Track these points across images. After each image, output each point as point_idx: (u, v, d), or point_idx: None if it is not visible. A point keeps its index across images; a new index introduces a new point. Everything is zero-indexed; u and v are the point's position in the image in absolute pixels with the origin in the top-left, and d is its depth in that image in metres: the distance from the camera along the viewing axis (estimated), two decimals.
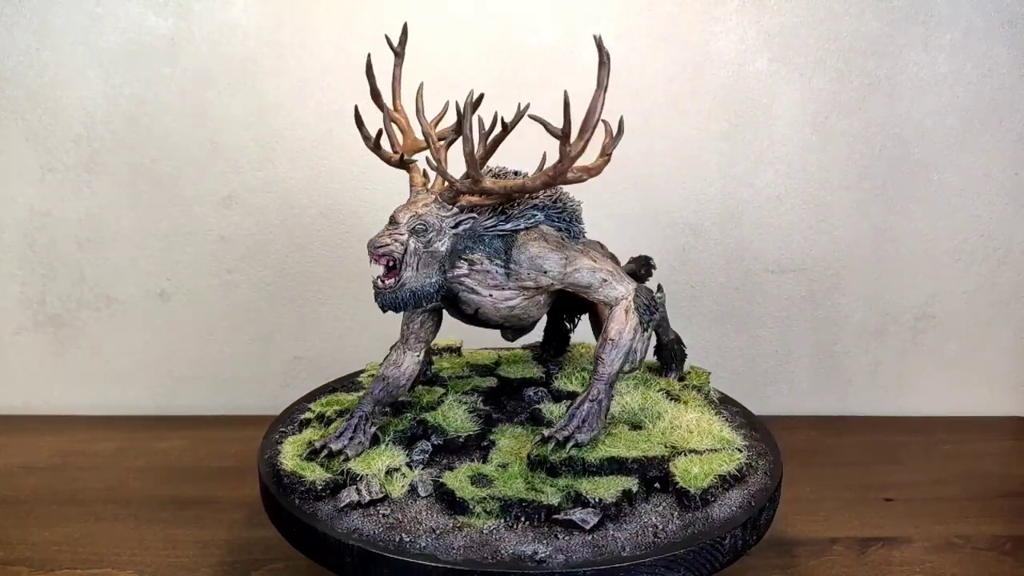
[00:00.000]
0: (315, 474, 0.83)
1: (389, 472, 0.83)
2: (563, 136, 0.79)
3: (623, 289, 0.89)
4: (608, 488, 0.78)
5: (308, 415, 0.97)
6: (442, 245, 0.83)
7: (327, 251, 1.38)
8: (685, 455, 0.84)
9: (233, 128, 1.32)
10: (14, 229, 1.35)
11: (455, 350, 1.15)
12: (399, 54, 0.96)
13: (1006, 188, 1.38)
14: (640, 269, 1.07)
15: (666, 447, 0.86)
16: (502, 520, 0.77)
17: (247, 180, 1.34)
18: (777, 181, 1.37)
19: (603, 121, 0.83)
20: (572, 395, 0.95)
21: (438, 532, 0.76)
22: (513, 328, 0.95)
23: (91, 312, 1.38)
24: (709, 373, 1.09)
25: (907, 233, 1.40)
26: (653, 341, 1.03)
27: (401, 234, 0.83)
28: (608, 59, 0.80)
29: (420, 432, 0.91)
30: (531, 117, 0.80)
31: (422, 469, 0.85)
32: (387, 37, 0.95)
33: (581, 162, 0.82)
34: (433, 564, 0.72)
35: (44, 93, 1.29)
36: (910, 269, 1.41)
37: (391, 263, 0.83)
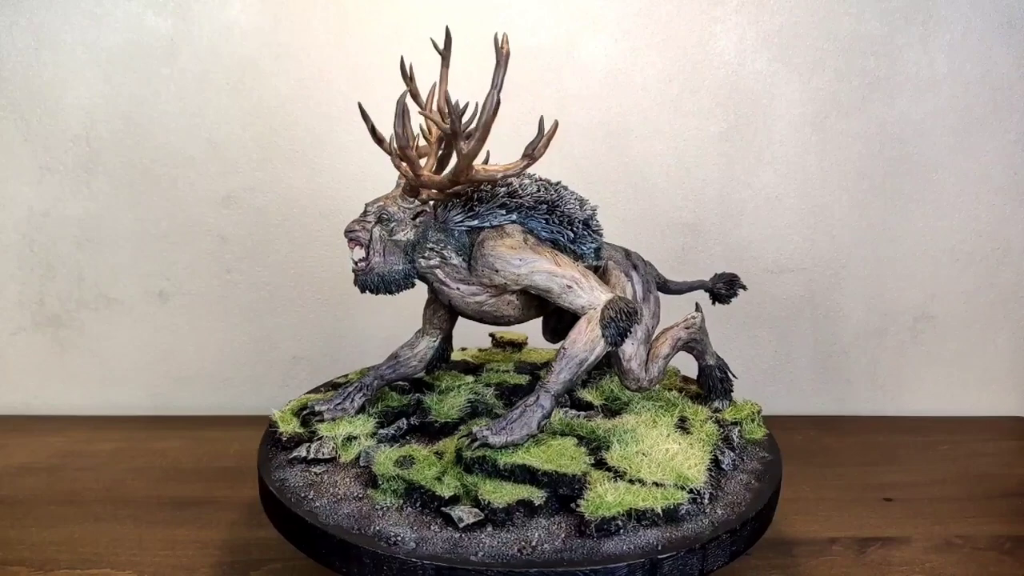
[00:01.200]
0: (290, 428, 0.91)
1: (348, 439, 0.88)
2: (452, 134, 0.82)
3: (589, 298, 0.86)
4: (506, 494, 0.77)
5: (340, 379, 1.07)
6: (404, 235, 0.88)
7: (326, 251, 1.38)
8: (614, 482, 0.79)
9: (232, 128, 1.32)
10: (13, 229, 1.35)
11: (518, 345, 1.14)
12: (445, 57, 0.98)
13: (1005, 188, 1.38)
14: (717, 285, 1.05)
15: (598, 468, 0.81)
16: (400, 501, 0.79)
17: (246, 180, 1.34)
18: (776, 181, 1.37)
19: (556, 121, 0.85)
20: (588, 406, 0.96)
21: (338, 499, 0.80)
22: (496, 324, 0.96)
23: (90, 312, 1.38)
24: (759, 410, 0.98)
25: (906, 233, 1.40)
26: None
27: (368, 222, 0.87)
28: (504, 60, 0.82)
29: (411, 411, 0.94)
30: (421, 114, 0.86)
31: (388, 444, 0.88)
32: (433, 41, 0.97)
33: (503, 162, 0.86)
34: (310, 521, 0.77)
35: (43, 93, 1.29)
36: (909, 269, 1.41)
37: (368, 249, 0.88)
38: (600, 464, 0.83)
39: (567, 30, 1.32)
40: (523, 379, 1.02)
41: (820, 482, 1.19)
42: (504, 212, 0.89)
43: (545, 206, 0.90)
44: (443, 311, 0.98)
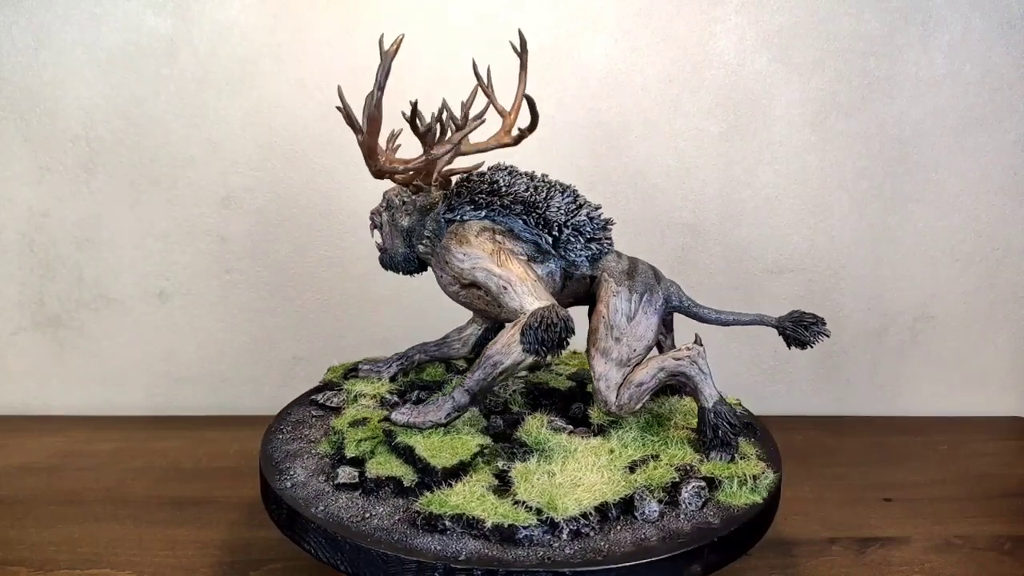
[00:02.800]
0: (332, 376, 1.06)
1: (359, 396, 0.98)
2: (355, 130, 0.87)
3: (519, 302, 0.85)
4: (383, 468, 0.83)
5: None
6: (403, 221, 0.97)
7: (326, 251, 1.38)
8: (482, 487, 0.79)
9: (231, 128, 1.32)
10: (13, 229, 1.35)
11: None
12: (523, 60, 1.01)
13: (1004, 188, 1.38)
14: (785, 324, 0.91)
15: (498, 475, 0.82)
16: (327, 456, 0.89)
17: (246, 180, 1.34)
18: (776, 181, 1.37)
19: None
20: (584, 423, 0.93)
21: (305, 441, 0.93)
22: (484, 316, 0.99)
23: (90, 312, 1.38)
24: (760, 474, 0.84)
25: (906, 233, 1.40)
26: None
27: (381, 208, 0.99)
28: (388, 58, 0.85)
29: (431, 387, 1.00)
30: (337, 108, 0.88)
31: (383, 408, 0.95)
32: (512, 43, 1.00)
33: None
34: (273, 456, 0.90)
35: (43, 93, 1.29)
36: (909, 269, 1.41)
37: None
38: (500, 472, 0.82)
39: (567, 30, 1.32)
40: (565, 384, 1.01)
41: (819, 482, 1.19)
42: (472, 208, 0.92)
43: (521, 207, 0.91)
44: None
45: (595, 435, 0.89)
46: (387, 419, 0.88)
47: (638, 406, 0.86)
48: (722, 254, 1.40)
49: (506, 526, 0.74)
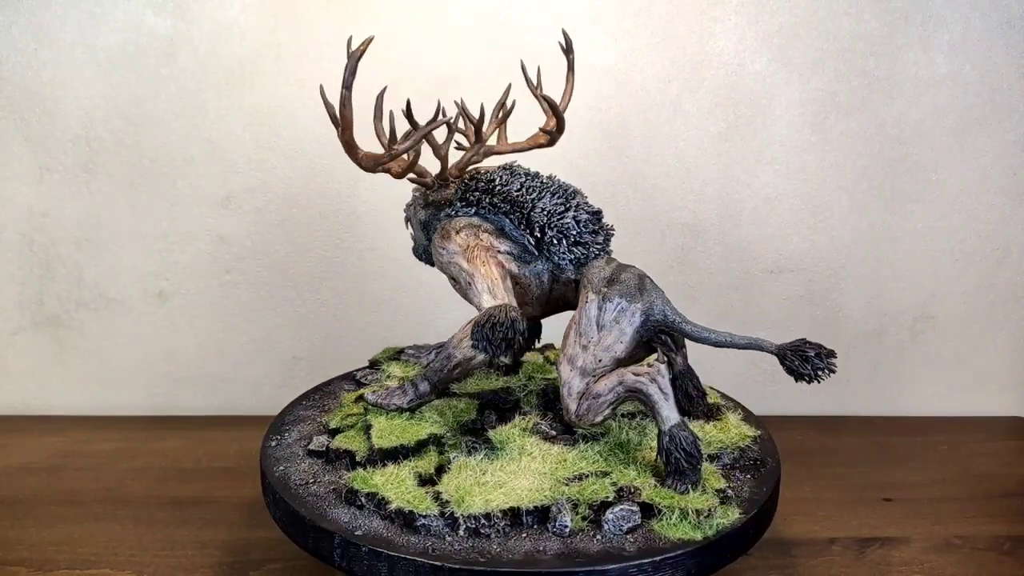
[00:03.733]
0: (379, 356, 1.11)
1: (388, 377, 1.04)
2: (335, 126, 0.89)
3: (478, 300, 0.87)
4: (346, 442, 0.89)
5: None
6: (420, 214, 0.99)
7: (326, 251, 1.38)
8: (411, 475, 0.82)
9: (231, 128, 1.32)
10: (12, 229, 1.35)
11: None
12: (569, 53, 1.02)
13: (1004, 189, 1.38)
14: (786, 353, 0.81)
15: (416, 451, 0.86)
16: (324, 425, 0.95)
17: (245, 180, 1.34)
18: (776, 181, 1.37)
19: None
20: (571, 431, 0.90)
21: (319, 410, 1.01)
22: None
23: (89, 312, 1.38)
24: (711, 511, 0.77)
25: (906, 233, 1.40)
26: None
27: (410, 202, 1.02)
28: (353, 59, 0.86)
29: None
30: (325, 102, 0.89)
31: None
32: (560, 43, 1.01)
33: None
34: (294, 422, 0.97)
35: (42, 93, 1.29)
36: (909, 269, 1.41)
37: None
38: (445, 463, 0.84)
39: (567, 30, 1.31)
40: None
41: (819, 482, 1.19)
42: (462, 205, 0.94)
43: (508, 206, 0.92)
44: None
45: (572, 444, 0.87)
46: (361, 398, 0.96)
47: (597, 418, 0.82)
48: (722, 254, 1.40)
49: (407, 511, 0.76)
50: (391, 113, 0.89)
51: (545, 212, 0.91)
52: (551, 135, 0.97)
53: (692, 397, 0.95)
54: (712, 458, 0.87)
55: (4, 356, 1.40)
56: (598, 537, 0.76)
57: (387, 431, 0.88)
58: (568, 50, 1.00)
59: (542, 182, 0.94)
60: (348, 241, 1.37)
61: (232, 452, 1.25)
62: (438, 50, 1.29)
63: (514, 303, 0.86)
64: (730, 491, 0.82)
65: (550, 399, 0.97)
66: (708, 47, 1.32)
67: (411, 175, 0.93)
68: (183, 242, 1.36)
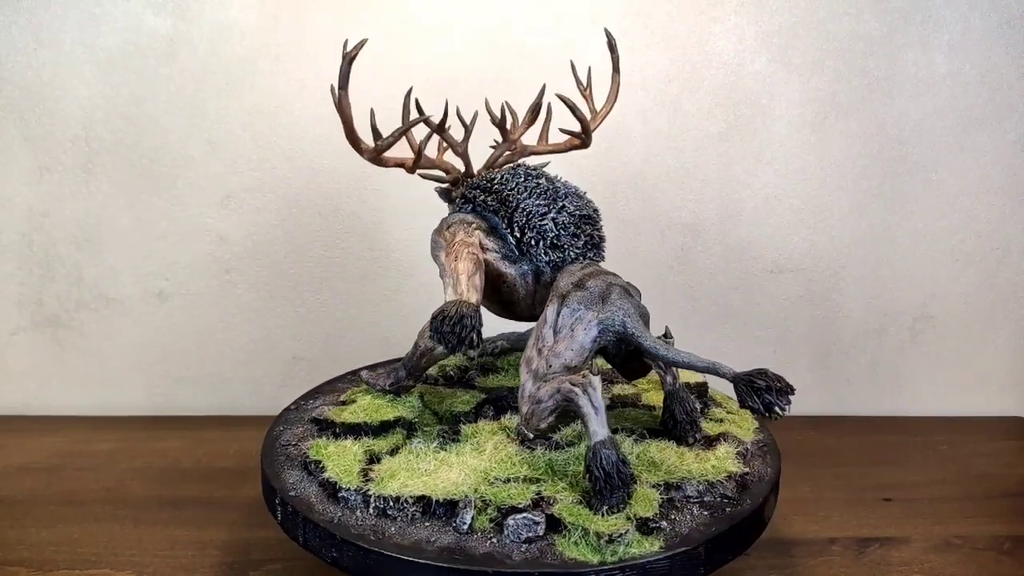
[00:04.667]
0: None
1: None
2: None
3: (445, 293, 0.88)
4: (335, 413, 0.95)
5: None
6: (449, 209, 1.02)
7: (325, 251, 1.38)
8: (357, 446, 0.88)
9: (231, 128, 1.32)
10: (12, 229, 1.35)
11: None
12: (613, 52, 1.03)
13: (1004, 188, 1.38)
14: (740, 381, 0.77)
15: (379, 430, 0.91)
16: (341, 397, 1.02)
17: (245, 180, 1.34)
18: (775, 181, 1.37)
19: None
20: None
21: (348, 383, 1.06)
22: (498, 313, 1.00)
23: (89, 312, 1.38)
24: (643, 547, 0.73)
25: (905, 233, 1.40)
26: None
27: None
28: (346, 60, 0.88)
29: (491, 370, 1.08)
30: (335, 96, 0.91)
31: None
32: (608, 46, 1.01)
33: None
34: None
35: (42, 93, 1.29)
36: (908, 269, 1.41)
37: None
38: (401, 445, 0.89)
39: (567, 30, 1.32)
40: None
41: (819, 482, 1.19)
42: (462, 202, 0.97)
43: (498, 205, 0.94)
44: None
45: (532, 449, 0.86)
46: (357, 370, 1.03)
47: (542, 425, 0.81)
48: (722, 254, 1.40)
49: (333, 482, 0.81)
50: (371, 110, 0.92)
51: (525, 213, 0.91)
52: (583, 138, 0.97)
53: (678, 421, 0.88)
54: (670, 487, 0.80)
55: (4, 356, 1.39)
56: (493, 540, 0.74)
57: (363, 409, 0.94)
58: (612, 48, 1.00)
59: (537, 183, 0.93)
60: (348, 241, 1.37)
61: (232, 452, 1.25)
62: (437, 50, 1.29)
63: (474, 299, 0.85)
64: (664, 523, 0.75)
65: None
66: (708, 47, 1.32)
67: (422, 171, 0.95)
68: (183, 242, 1.36)
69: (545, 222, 0.91)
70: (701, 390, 1.03)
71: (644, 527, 0.74)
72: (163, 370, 1.41)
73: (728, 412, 1.00)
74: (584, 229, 0.92)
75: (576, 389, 0.77)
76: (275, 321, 1.40)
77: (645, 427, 0.91)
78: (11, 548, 1.00)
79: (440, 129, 0.93)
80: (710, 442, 0.90)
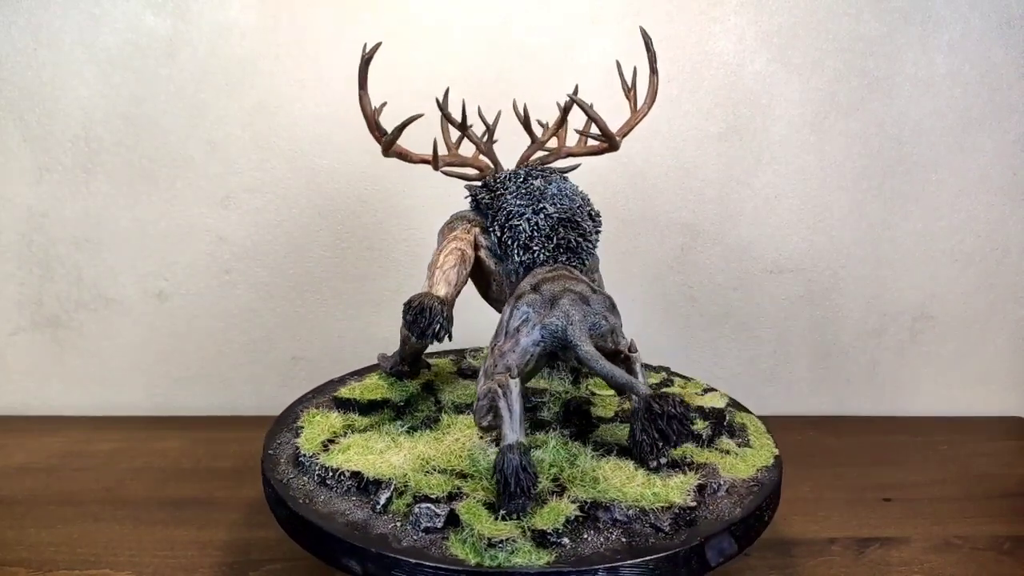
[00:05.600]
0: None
1: None
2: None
3: (422, 286, 0.92)
4: (348, 390, 1.01)
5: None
6: None
7: (325, 252, 1.38)
8: (343, 420, 0.95)
9: (231, 128, 1.32)
10: (12, 229, 1.35)
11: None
12: (651, 56, 1.02)
13: (1004, 189, 1.38)
14: (636, 417, 0.79)
15: (368, 407, 0.97)
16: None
17: (245, 180, 1.34)
18: (775, 181, 1.37)
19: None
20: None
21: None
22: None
23: (89, 312, 1.38)
24: (527, 557, 0.71)
25: (905, 233, 1.40)
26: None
27: None
28: (364, 62, 0.91)
29: None
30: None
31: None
32: (646, 48, 1.00)
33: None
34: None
35: (42, 93, 1.29)
36: (908, 269, 1.41)
37: None
38: (384, 423, 0.93)
39: (567, 30, 1.32)
40: (607, 411, 0.96)
41: (819, 482, 1.19)
42: (471, 200, 0.98)
43: (489, 203, 0.95)
44: None
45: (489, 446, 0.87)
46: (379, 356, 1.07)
47: (483, 423, 0.81)
48: (721, 254, 1.40)
49: (298, 447, 0.89)
50: (379, 108, 0.94)
51: (505, 213, 0.92)
52: (606, 141, 0.97)
53: (637, 441, 0.80)
54: (597, 506, 0.76)
55: (4, 356, 1.39)
56: (396, 524, 0.76)
57: (362, 387, 1.01)
58: (649, 48, 0.99)
59: (530, 184, 0.93)
60: (348, 241, 1.37)
61: (232, 452, 1.25)
62: (437, 50, 1.29)
63: (442, 292, 0.89)
64: (566, 540, 0.73)
65: (570, 411, 0.95)
66: (708, 47, 1.32)
67: (449, 168, 0.97)
68: (182, 242, 1.36)
69: (520, 223, 0.91)
70: (718, 415, 0.95)
71: (541, 539, 0.72)
72: (163, 370, 1.41)
73: (743, 445, 0.92)
74: (559, 232, 0.91)
75: (499, 391, 0.77)
76: (275, 321, 1.40)
77: (624, 444, 0.86)
78: (10, 548, 1.00)
79: (463, 127, 0.94)
80: (678, 469, 0.83)
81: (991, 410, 1.47)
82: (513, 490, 0.73)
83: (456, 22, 1.30)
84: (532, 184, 0.93)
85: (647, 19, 1.31)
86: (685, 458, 0.85)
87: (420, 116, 0.90)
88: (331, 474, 0.83)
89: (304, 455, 0.87)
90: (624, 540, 0.74)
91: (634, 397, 0.79)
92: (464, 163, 0.98)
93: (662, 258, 1.40)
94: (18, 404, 1.41)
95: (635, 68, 1.00)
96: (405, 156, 0.95)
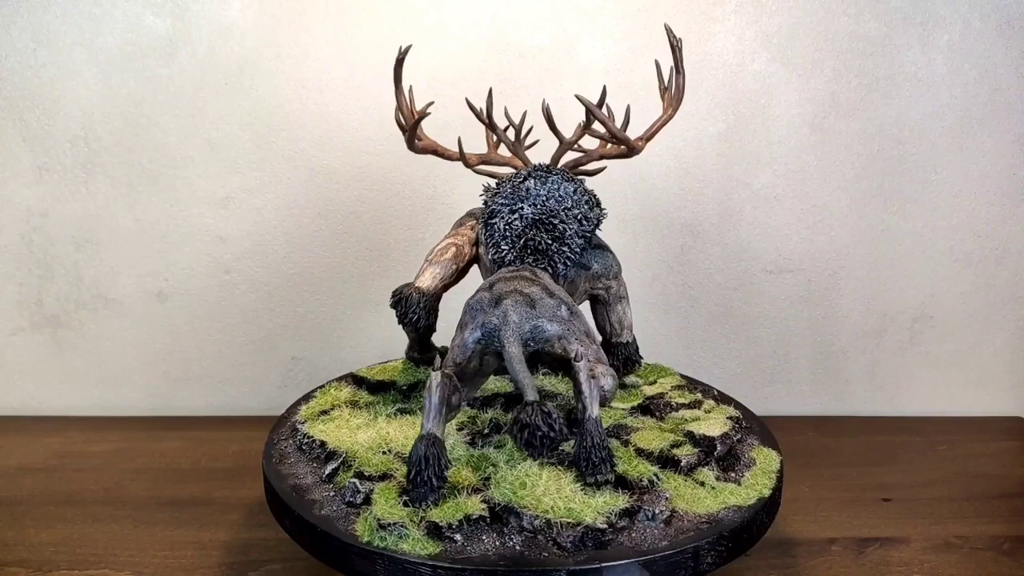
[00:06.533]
0: None
1: None
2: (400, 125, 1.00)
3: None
4: (368, 371, 1.07)
5: None
6: None
7: (325, 252, 1.38)
8: (349, 394, 1.02)
9: (230, 128, 1.32)
10: (11, 229, 1.34)
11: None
12: (676, 56, 1.02)
13: (1003, 188, 1.38)
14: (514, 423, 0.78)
15: (379, 385, 1.03)
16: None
17: (245, 181, 1.34)
18: (775, 181, 1.37)
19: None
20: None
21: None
22: None
23: (88, 313, 1.38)
24: (396, 535, 0.74)
25: (905, 233, 1.40)
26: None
27: None
28: (397, 63, 0.96)
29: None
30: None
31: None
32: (670, 46, 1.00)
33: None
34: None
35: (42, 93, 1.29)
36: (908, 269, 1.41)
37: None
38: (376, 402, 0.99)
39: (567, 30, 1.32)
40: (613, 416, 0.96)
41: (819, 482, 1.19)
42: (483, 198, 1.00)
43: (484, 205, 0.97)
44: None
45: (470, 439, 0.89)
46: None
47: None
48: (721, 254, 1.40)
49: (297, 416, 0.97)
50: (398, 104, 0.97)
51: (488, 210, 0.94)
52: (624, 145, 0.98)
53: (576, 454, 0.79)
54: (510, 511, 0.76)
55: (3, 356, 1.39)
56: (331, 494, 0.82)
57: (382, 369, 1.07)
58: (674, 49, 0.98)
59: (519, 184, 0.93)
60: (347, 241, 1.37)
61: (231, 453, 1.25)
62: (436, 50, 1.29)
63: (424, 284, 0.94)
64: (459, 536, 0.74)
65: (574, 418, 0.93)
66: (708, 47, 1.32)
67: (482, 167, 1.00)
68: (182, 242, 1.36)
69: (496, 221, 0.92)
70: (708, 445, 0.88)
71: (434, 531, 0.74)
72: (162, 370, 1.41)
73: (728, 480, 0.86)
74: (529, 233, 0.91)
75: (431, 386, 0.77)
76: (274, 321, 1.40)
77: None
78: (10, 549, 1.00)
79: (490, 124, 0.97)
80: (624, 490, 0.80)
81: (991, 410, 1.47)
82: (413, 479, 0.75)
83: (456, 22, 1.30)
84: (526, 184, 0.93)
85: (647, 19, 1.31)
86: (643, 480, 0.80)
87: (431, 104, 0.94)
88: (306, 441, 0.91)
89: (298, 422, 0.94)
90: (519, 549, 0.73)
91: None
92: (503, 162, 1.00)
93: (662, 258, 1.40)
94: (18, 404, 1.41)
95: (671, 67, 0.99)
96: (437, 152, 0.98)
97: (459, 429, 0.90)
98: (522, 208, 0.91)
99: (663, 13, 1.31)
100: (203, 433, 1.32)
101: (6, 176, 1.32)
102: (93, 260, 1.36)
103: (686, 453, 0.86)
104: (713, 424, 0.93)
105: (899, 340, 1.45)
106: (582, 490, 0.78)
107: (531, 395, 0.76)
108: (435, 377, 0.77)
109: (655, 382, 1.07)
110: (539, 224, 0.91)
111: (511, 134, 0.99)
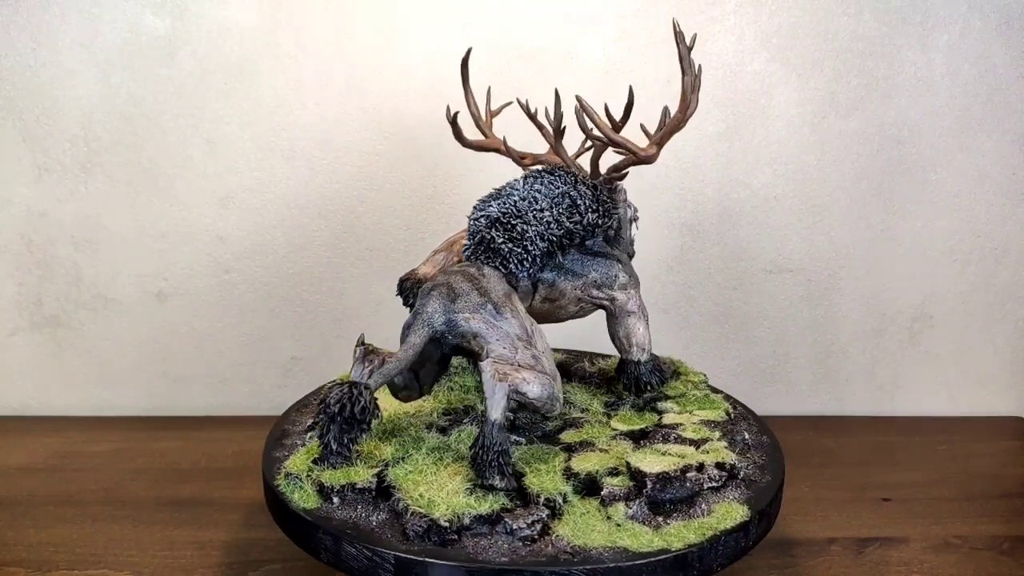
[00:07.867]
0: None
1: None
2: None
3: None
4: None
5: None
6: None
7: (325, 252, 1.38)
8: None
9: (230, 128, 1.32)
10: (11, 229, 1.34)
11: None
12: (686, 54, 1.01)
13: (1003, 188, 1.38)
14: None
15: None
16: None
17: (244, 180, 1.34)
18: (774, 181, 1.37)
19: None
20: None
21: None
22: None
23: (88, 313, 1.38)
24: (297, 498, 0.81)
25: (904, 233, 1.40)
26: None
27: None
28: (463, 65, 0.98)
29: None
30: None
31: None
32: (677, 42, 0.98)
33: None
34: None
35: (41, 93, 1.29)
36: (907, 269, 1.41)
37: None
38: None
39: (567, 30, 1.32)
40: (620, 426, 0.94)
41: (818, 482, 1.19)
42: None
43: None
44: None
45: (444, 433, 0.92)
46: None
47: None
48: (720, 254, 1.40)
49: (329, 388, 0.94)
50: (448, 106, 0.99)
51: (473, 207, 0.95)
52: (629, 153, 0.98)
53: (471, 456, 0.81)
54: (396, 488, 0.80)
55: (3, 356, 1.39)
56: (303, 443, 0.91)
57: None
58: (678, 44, 0.94)
59: (509, 184, 0.95)
60: (347, 241, 1.37)
61: (231, 452, 1.25)
62: (435, 50, 1.29)
63: (422, 271, 0.96)
64: (336, 500, 0.79)
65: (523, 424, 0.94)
66: (707, 47, 1.32)
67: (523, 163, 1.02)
68: (182, 242, 1.36)
69: (475, 215, 0.93)
70: (641, 480, 0.80)
71: (322, 491, 0.80)
72: (162, 370, 1.41)
73: (638, 520, 0.77)
74: (486, 232, 0.90)
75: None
76: (274, 321, 1.40)
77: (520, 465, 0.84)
78: (9, 549, 1.00)
79: (532, 118, 0.98)
80: (516, 498, 0.78)
81: (991, 410, 1.47)
82: (323, 446, 0.81)
83: (453, 22, 1.30)
84: (513, 183, 0.94)
85: (647, 19, 1.31)
86: (540, 496, 0.78)
87: (508, 104, 0.97)
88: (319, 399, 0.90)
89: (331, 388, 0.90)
90: (373, 526, 0.77)
91: None
92: (539, 161, 1.01)
93: (662, 258, 1.40)
94: (17, 404, 1.41)
95: (699, 65, 0.97)
96: (499, 150, 1.01)
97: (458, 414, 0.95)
98: (490, 206, 0.91)
99: (663, 13, 1.31)
100: (203, 433, 1.32)
101: (5, 176, 1.32)
102: (92, 260, 1.36)
103: (615, 484, 0.79)
104: (664, 462, 0.82)
105: (899, 340, 1.45)
106: (468, 490, 0.77)
107: (374, 383, 0.79)
108: (358, 348, 0.83)
109: (691, 412, 0.96)
110: (498, 224, 0.89)
111: (550, 134, 0.98)
